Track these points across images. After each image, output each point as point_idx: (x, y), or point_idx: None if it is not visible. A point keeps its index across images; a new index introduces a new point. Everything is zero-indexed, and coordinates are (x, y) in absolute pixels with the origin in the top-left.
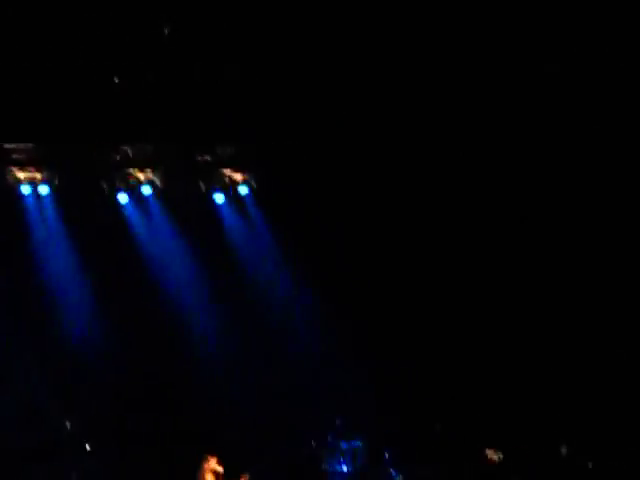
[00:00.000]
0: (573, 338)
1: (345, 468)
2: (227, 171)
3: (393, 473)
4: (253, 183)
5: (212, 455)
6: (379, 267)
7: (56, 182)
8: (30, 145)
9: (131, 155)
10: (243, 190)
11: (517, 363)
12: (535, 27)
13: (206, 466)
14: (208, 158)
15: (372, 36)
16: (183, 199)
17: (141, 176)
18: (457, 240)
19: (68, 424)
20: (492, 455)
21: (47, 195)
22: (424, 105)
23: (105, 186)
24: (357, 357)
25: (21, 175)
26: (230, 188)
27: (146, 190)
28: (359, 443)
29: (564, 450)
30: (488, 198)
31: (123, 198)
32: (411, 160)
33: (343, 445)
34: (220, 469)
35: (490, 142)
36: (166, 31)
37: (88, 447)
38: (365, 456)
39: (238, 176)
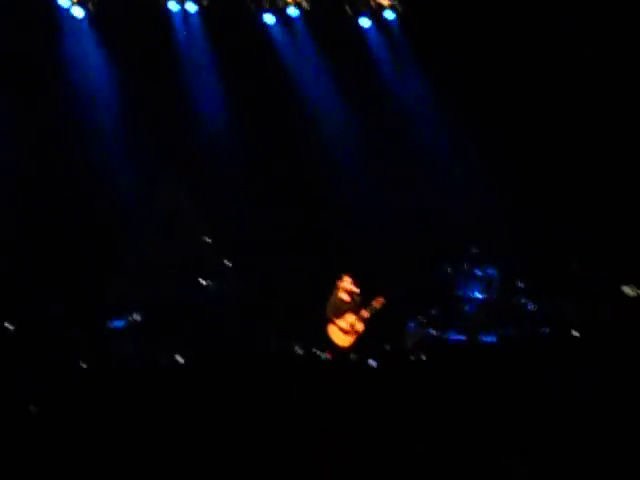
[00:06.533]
0: None
1: (479, 295)
2: None
3: (527, 303)
4: (399, 8)
5: (347, 275)
6: (525, 97)
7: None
8: None
9: None
10: (389, 15)
11: None
12: None
13: (341, 285)
14: None
15: None
16: (329, 22)
17: None
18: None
19: (209, 240)
20: (629, 291)
21: (195, 13)
22: None
23: (252, 6)
24: (499, 187)
25: None
26: (376, 13)
27: (292, 11)
28: (494, 271)
29: None
30: None
31: (269, 19)
32: None
33: (478, 272)
34: (355, 289)
35: None
36: None
37: (228, 263)
38: (499, 284)
39: (385, 1)
